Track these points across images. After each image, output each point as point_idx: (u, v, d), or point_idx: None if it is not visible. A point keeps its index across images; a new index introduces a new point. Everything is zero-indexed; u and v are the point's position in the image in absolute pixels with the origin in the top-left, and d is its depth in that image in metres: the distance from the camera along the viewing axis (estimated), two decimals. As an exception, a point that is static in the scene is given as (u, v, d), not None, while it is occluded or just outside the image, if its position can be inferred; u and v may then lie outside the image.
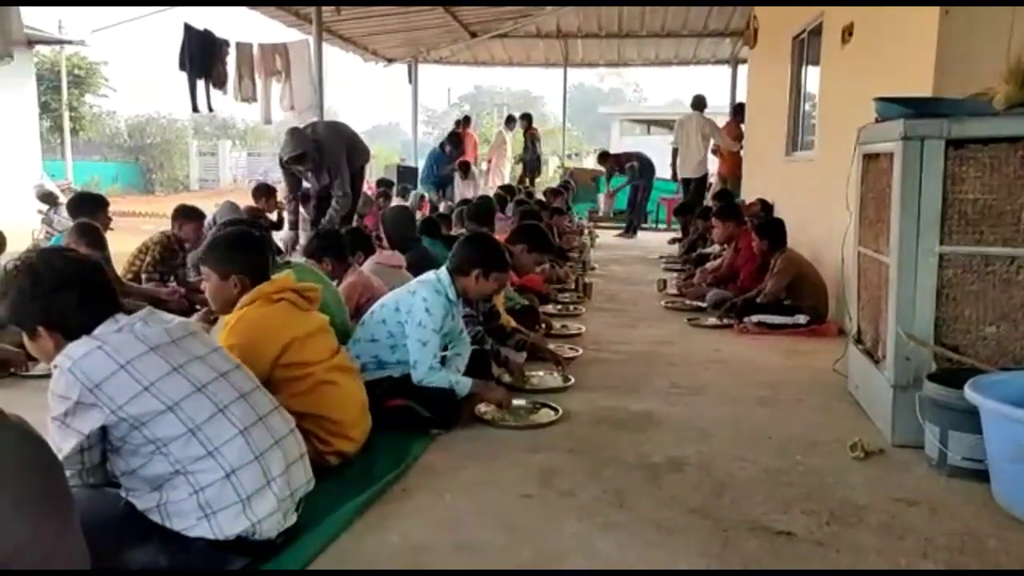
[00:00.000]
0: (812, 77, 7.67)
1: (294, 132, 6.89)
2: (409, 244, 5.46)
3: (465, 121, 14.88)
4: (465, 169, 12.84)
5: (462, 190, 12.74)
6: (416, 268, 4.86)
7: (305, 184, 7.38)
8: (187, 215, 6.01)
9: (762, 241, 5.95)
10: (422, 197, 11.95)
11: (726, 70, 14.84)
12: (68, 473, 1.97)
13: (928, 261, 3.22)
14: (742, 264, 6.55)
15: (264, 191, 8.54)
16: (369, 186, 14.44)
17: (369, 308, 3.87)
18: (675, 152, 11.71)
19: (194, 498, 2.07)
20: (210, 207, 8.16)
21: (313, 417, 2.78)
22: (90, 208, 5.46)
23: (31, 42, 13.39)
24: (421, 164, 13.86)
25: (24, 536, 1.58)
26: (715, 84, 17.92)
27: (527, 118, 15.31)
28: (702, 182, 11.65)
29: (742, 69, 13.51)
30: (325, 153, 6.88)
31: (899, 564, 2.36)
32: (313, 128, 7.30)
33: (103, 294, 2.17)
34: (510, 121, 15.90)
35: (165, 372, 2.09)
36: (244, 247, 2.98)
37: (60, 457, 1.97)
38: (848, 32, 5.84)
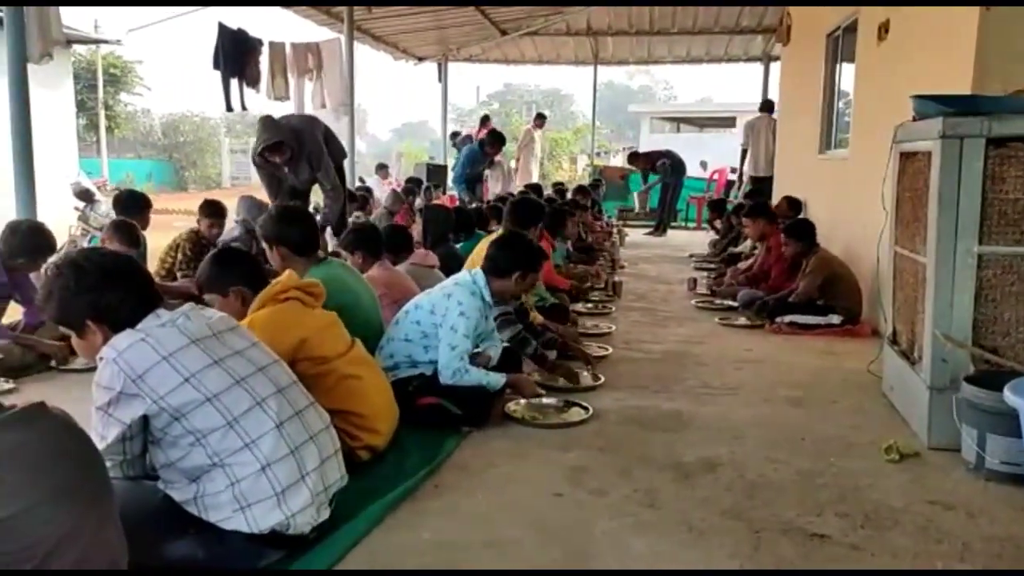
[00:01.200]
0: (846, 74, 7.58)
1: (267, 120, 6.31)
2: (443, 243, 5.50)
3: (485, 119, 14.90)
4: (491, 163, 12.80)
5: (491, 185, 12.74)
6: (444, 268, 4.88)
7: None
8: (212, 212, 6.08)
9: (791, 243, 5.87)
10: (450, 198, 11.79)
11: (758, 68, 14.71)
12: (109, 464, 2.01)
13: (966, 261, 3.17)
14: (773, 263, 6.49)
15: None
16: (397, 183, 14.52)
17: (384, 305, 3.90)
18: (744, 152, 11.91)
19: (230, 490, 2.10)
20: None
21: (340, 413, 2.79)
22: (132, 207, 5.54)
23: (69, 42, 13.62)
24: (451, 162, 13.82)
25: (66, 528, 1.61)
26: (746, 82, 17.78)
27: (540, 118, 15.45)
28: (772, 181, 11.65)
29: (774, 67, 13.39)
30: (304, 142, 6.26)
31: (936, 568, 2.32)
32: (287, 118, 6.75)
33: (145, 288, 2.22)
34: (539, 118, 15.87)
35: (205, 364, 2.13)
36: (231, 262, 3.12)
37: (102, 446, 2.02)
38: (884, 29, 5.76)
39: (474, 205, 10.66)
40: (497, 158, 13.44)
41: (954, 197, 3.16)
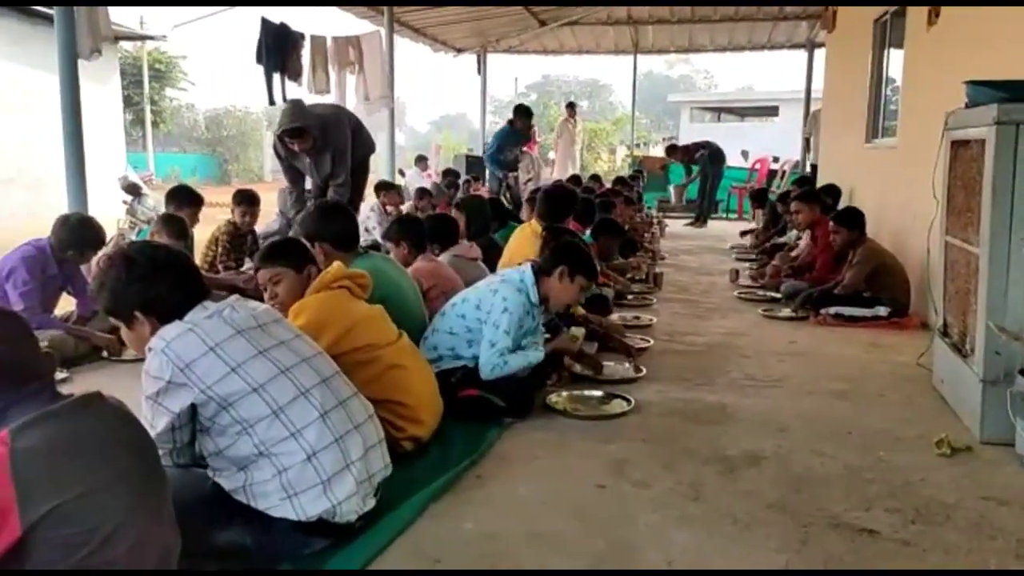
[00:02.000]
0: (895, 61, 7.41)
1: (295, 104, 5.97)
2: (484, 234, 5.50)
3: (530, 115, 14.86)
4: (521, 154, 12.74)
5: (521, 176, 12.70)
6: (485, 259, 4.89)
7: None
8: (243, 200, 6.11)
9: (840, 230, 5.74)
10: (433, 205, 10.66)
11: (801, 55, 14.45)
12: (159, 452, 2.05)
13: (1021, 252, 3.08)
14: (818, 253, 6.38)
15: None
16: (437, 174, 14.57)
17: (432, 297, 3.91)
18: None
19: (277, 479, 2.13)
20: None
21: (385, 403, 2.83)
22: (184, 202, 5.62)
23: (116, 38, 13.89)
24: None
25: (122, 513, 1.65)
26: (789, 70, 17.47)
27: (571, 107, 15.43)
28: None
29: (819, 54, 13.15)
30: (330, 135, 5.95)
31: (989, 565, 2.28)
32: (316, 107, 6.47)
33: (193, 280, 2.26)
34: (570, 107, 15.81)
35: (251, 355, 2.16)
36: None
37: (152, 435, 2.05)
38: (935, 14, 5.62)
39: (506, 188, 10.58)
40: (525, 150, 13.39)
41: (1009, 185, 3.07)
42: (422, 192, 10.26)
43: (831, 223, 5.90)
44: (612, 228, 6.05)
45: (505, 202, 9.06)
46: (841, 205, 7.34)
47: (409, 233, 4.30)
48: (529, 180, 12.40)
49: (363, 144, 6.30)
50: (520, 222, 6.04)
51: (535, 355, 3.48)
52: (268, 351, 2.21)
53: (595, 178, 12.61)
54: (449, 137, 33.76)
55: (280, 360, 2.22)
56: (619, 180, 11.86)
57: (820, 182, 9.60)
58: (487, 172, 11.63)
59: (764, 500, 2.66)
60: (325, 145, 5.92)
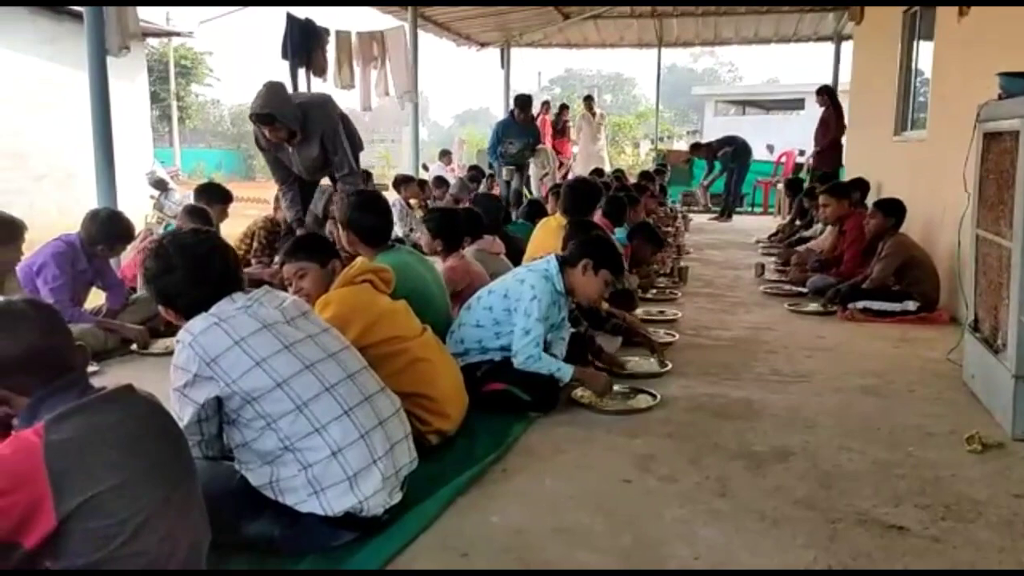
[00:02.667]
0: (924, 53, 7.31)
1: (270, 87, 5.20)
2: (497, 230, 5.48)
3: (529, 104, 14.87)
4: (534, 151, 12.65)
5: (535, 169, 12.65)
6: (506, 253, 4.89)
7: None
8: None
9: (878, 216, 5.63)
10: (456, 200, 10.19)
11: (828, 47, 14.28)
12: (189, 444, 2.08)
13: (1056, 245, 3.03)
14: (846, 247, 6.31)
15: (363, 177, 8.69)
16: (461, 167, 14.59)
17: (464, 294, 3.91)
18: None
19: (303, 474, 2.15)
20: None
21: (411, 396, 2.83)
22: (213, 198, 5.66)
23: (144, 35, 14.02)
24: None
25: (154, 504, 1.67)
26: (815, 62, 17.22)
27: (587, 100, 15.38)
28: None
29: (846, 46, 12.99)
30: (313, 119, 5.29)
31: (1022, 563, 2.24)
32: (299, 95, 5.98)
33: (216, 273, 2.22)
34: (586, 100, 15.75)
35: (276, 350, 2.17)
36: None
37: (181, 427, 2.06)
38: (966, 6, 5.53)
39: (514, 187, 10.39)
40: (540, 146, 13.31)
41: (1044, 178, 3.02)
42: (439, 181, 10.28)
43: (871, 207, 5.81)
44: (649, 234, 6.02)
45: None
46: (870, 199, 7.25)
47: (447, 229, 4.27)
48: (545, 175, 12.36)
49: (354, 140, 5.74)
50: (508, 223, 5.93)
51: (563, 371, 3.45)
52: (293, 346, 2.22)
53: (619, 173, 12.56)
54: (472, 132, 33.75)
55: (305, 355, 2.22)
56: (644, 174, 11.80)
57: (848, 176, 9.51)
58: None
59: (792, 496, 2.64)
60: (308, 133, 5.30)
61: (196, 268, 2.19)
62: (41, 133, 12.00)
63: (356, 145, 5.74)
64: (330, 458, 2.15)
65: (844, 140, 10.55)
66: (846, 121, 10.32)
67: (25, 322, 1.70)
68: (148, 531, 1.65)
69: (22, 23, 11.82)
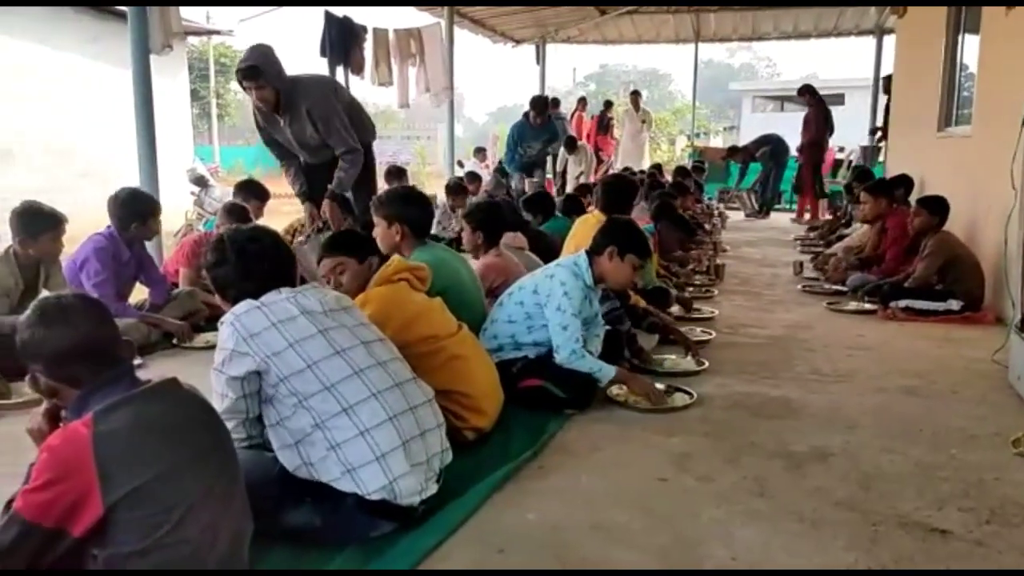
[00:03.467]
0: (969, 47, 7.15)
1: (257, 47, 5.03)
2: (517, 228, 5.43)
3: (545, 106, 14.86)
4: (571, 144, 12.64)
5: (572, 167, 12.62)
6: (533, 250, 4.89)
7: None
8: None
9: (923, 213, 5.51)
10: (491, 196, 10.01)
11: (869, 41, 14.05)
12: (232, 423, 2.16)
13: (1108, 244, 2.95)
14: (888, 246, 6.20)
15: (396, 174, 8.76)
16: (494, 163, 14.60)
17: (499, 290, 3.92)
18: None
19: (332, 454, 2.20)
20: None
21: (448, 393, 2.85)
22: (249, 194, 5.73)
23: (185, 33, 14.25)
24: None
25: (198, 493, 1.71)
26: (855, 57, 16.98)
27: (634, 95, 15.33)
28: None
29: (887, 40, 12.77)
30: (302, 93, 5.09)
31: (1071, 570, 2.19)
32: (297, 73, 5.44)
33: (264, 270, 2.35)
34: (632, 95, 15.66)
35: (310, 334, 2.26)
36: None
37: (224, 404, 2.18)
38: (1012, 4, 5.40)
39: (530, 191, 10.25)
40: (581, 142, 13.26)
41: (1095, 175, 2.94)
42: (472, 176, 10.31)
43: (914, 205, 5.70)
44: (673, 216, 5.95)
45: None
46: (913, 196, 7.12)
47: (490, 222, 4.27)
48: (581, 173, 12.34)
49: (361, 127, 5.47)
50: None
51: (605, 372, 3.43)
52: (327, 331, 2.30)
53: (655, 168, 12.49)
54: (507, 128, 33.79)
55: (337, 341, 2.30)
56: (680, 170, 11.72)
57: (890, 172, 9.35)
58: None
59: (832, 497, 2.61)
60: (296, 104, 5.08)
61: (247, 263, 2.33)
62: (85, 130, 12.25)
63: (363, 131, 5.47)
64: (358, 437, 2.20)
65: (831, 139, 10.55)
66: (890, 117, 10.18)
67: (77, 315, 1.76)
68: (191, 520, 1.69)
69: (66, 22, 12.08)
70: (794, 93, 13.78)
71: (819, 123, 11.26)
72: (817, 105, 11.42)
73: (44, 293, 4.18)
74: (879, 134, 11.31)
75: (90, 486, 1.60)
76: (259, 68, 4.91)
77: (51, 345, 1.73)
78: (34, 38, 11.53)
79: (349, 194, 5.49)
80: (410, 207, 3.56)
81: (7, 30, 11.06)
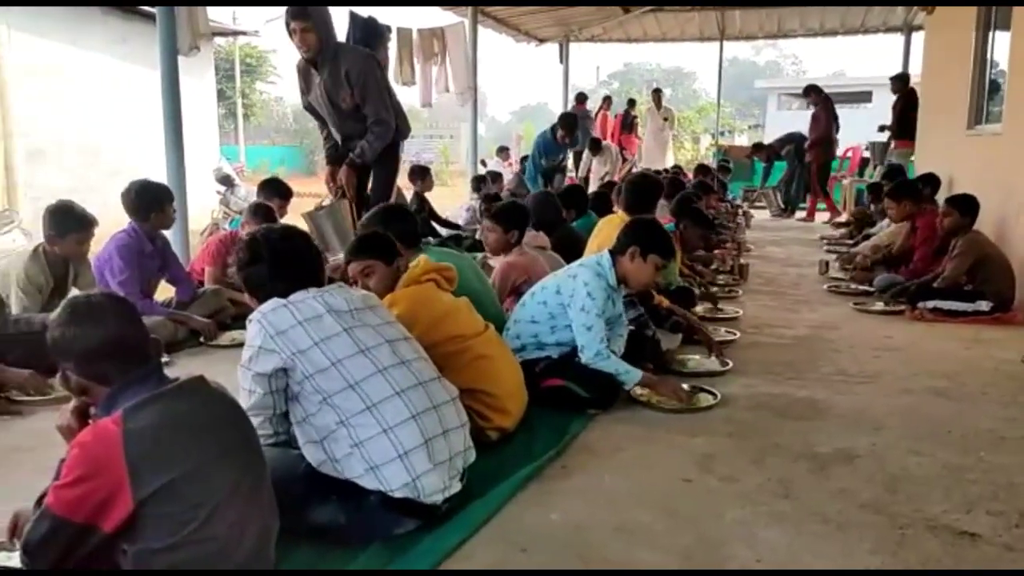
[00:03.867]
0: (1000, 43, 7.05)
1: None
2: (554, 226, 5.44)
3: (575, 126, 14.83)
4: (596, 146, 12.60)
5: (597, 168, 12.60)
6: (559, 249, 4.87)
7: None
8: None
9: (953, 213, 5.42)
10: (514, 195, 9.73)
11: (897, 39, 13.87)
12: (258, 420, 2.19)
13: None
14: (917, 245, 6.12)
15: (419, 173, 8.79)
16: (517, 162, 14.60)
17: (522, 289, 3.92)
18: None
19: (356, 451, 2.21)
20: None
21: (473, 392, 2.86)
22: (272, 192, 5.78)
23: (213, 34, 14.38)
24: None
25: (225, 490, 1.73)
26: (883, 54, 16.76)
27: (655, 93, 15.27)
28: None
29: (916, 36, 12.61)
30: (343, 53, 5.06)
31: (1103, 576, 2.16)
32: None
33: (299, 268, 2.39)
34: (654, 94, 15.61)
35: (335, 333, 2.28)
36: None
37: (251, 401, 2.20)
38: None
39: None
40: (605, 142, 13.23)
41: None
42: (495, 176, 10.32)
43: (944, 204, 5.62)
44: (695, 215, 5.92)
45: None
46: (940, 195, 7.03)
47: (514, 220, 4.25)
48: (606, 174, 12.32)
49: (398, 115, 5.37)
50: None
51: (631, 375, 3.42)
52: (352, 330, 2.32)
53: (676, 168, 12.44)
54: (530, 127, 33.75)
55: (362, 340, 2.32)
56: (701, 168, 11.66)
57: (919, 170, 9.24)
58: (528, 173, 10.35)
59: (858, 499, 2.59)
60: (335, 66, 5.02)
61: (279, 262, 2.36)
62: (113, 130, 12.40)
63: (398, 119, 5.34)
64: (381, 434, 2.22)
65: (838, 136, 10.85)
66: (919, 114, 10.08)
67: (106, 314, 1.78)
68: (219, 516, 1.71)
69: (94, 24, 12.22)
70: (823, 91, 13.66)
71: (827, 121, 11.28)
72: (824, 103, 11.43)
73: (73, 291, 4.24)
74: (888, 132, 11.26)
75: (120, 483, 1.62)
76: (308, 10, 4.92)
77: (81, 344, 1.76)
78: (63, 39, 11.68)
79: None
80: (391, 225, 3.41)
81: (39, 31, 11.22)
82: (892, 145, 11.05)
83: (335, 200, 5.31)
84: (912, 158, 10.55)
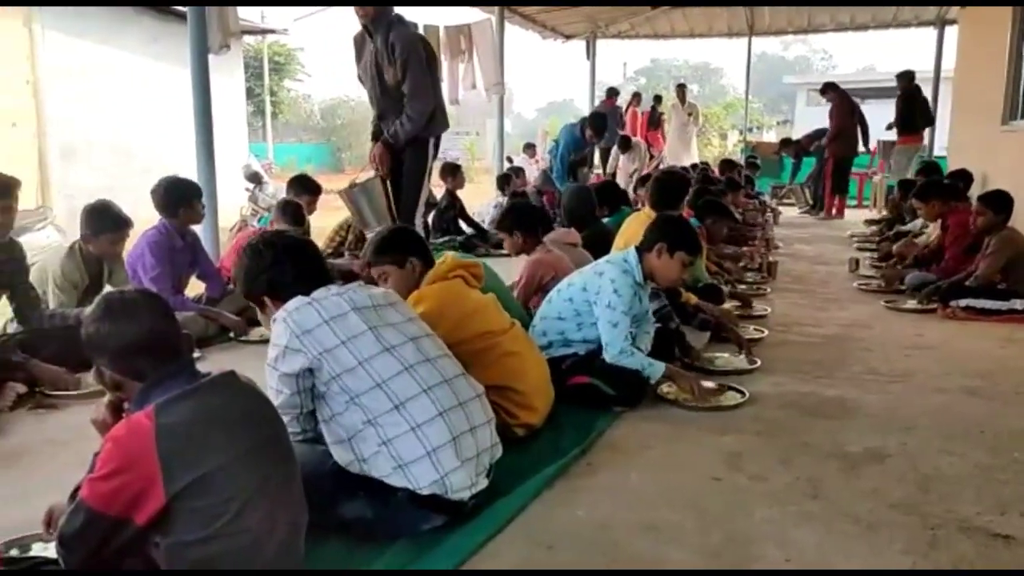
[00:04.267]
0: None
1: None
2: (587, 222, 5.44)
3: (631, 97, 14.80)
4: (626, 144, 12.54)
5: (625, 164, 12.54)
6: (591, 246, 4.85)
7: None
8: None
9: (986, 212, 5.32)
10: (540, 192, 9.83)
11: (930, 33, 13.66)
12: (286, 419, 2.18)
13: None
14: (949, 243, 6.03)
15: (450, 170, 8.78)
16: (545, 160, 14.57)
17: (549, 287, 3.91)
18: None
19: (384, 450, 2.22)
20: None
21: (500, 389, 2.87)
22: (303, 190, 5.83)
23: (242, 32, 14.51)
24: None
25: (256, 484, 1.75)
26: (914, 49, 16.52)
27: (679, 88, 15.24)
28: None
29: (949, 31, 12.42)
30: (394, 28, 5.03)
31: None
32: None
33: (316, 267, 2.42)
34: (678, 89, 15.50)
35: (360, 331, 2.28)
36: (408, 237, 3.21)
37: (277, 401, 2.20)
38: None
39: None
40: (635, 139, 13.17)
41: None
42: (517, 171, 10.31)
43: (977, 203, 5.53)
44: (718, 209, 5.88)
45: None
46: (973, 191, 6.92)
47: (524, 222, 4.28)
48: (635, 170, 12.27)
49: (441, 111, 5.33)
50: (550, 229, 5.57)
51: (655, 369, 3.40)
52: (377, 328, 2.32)
53: (704, 165, 12.36)
54: (556, 124, 33.69)
55: (387, 338, 2.32)
56: (727, 163, 11.57)
57: (952, 167, 9.10)
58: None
59: (888, 499, 2.56)
60: (385, 38, 5.02)
61: (299, 262, 2.38)
62: (145, 129, 12.57)
63: (444, 119, 5.34)
64: (409, 432, 2.22)
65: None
66: (949, 109, 9.95)
67: (141, 310, 1.81)
68: (250, 510, 1.73)
69: (128, 23, 12.40)
70: (850, 86, 13.52)
71: (841, 116, 11.19)
72: (840, 99, 11.33)
73: (107, 288, 4.31)
74: (895, 130, 11.18)
75: (153, 476, 1.65)
76: None
77: (116, 340, 1.78)
78: (97, 39, 11.87)
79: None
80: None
81: (73, 31, 11.40)
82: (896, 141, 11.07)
83: (370, 178, 5.32)
84: (921, 153, 10.53)
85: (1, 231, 3.72)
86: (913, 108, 10.66)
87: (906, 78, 10.84)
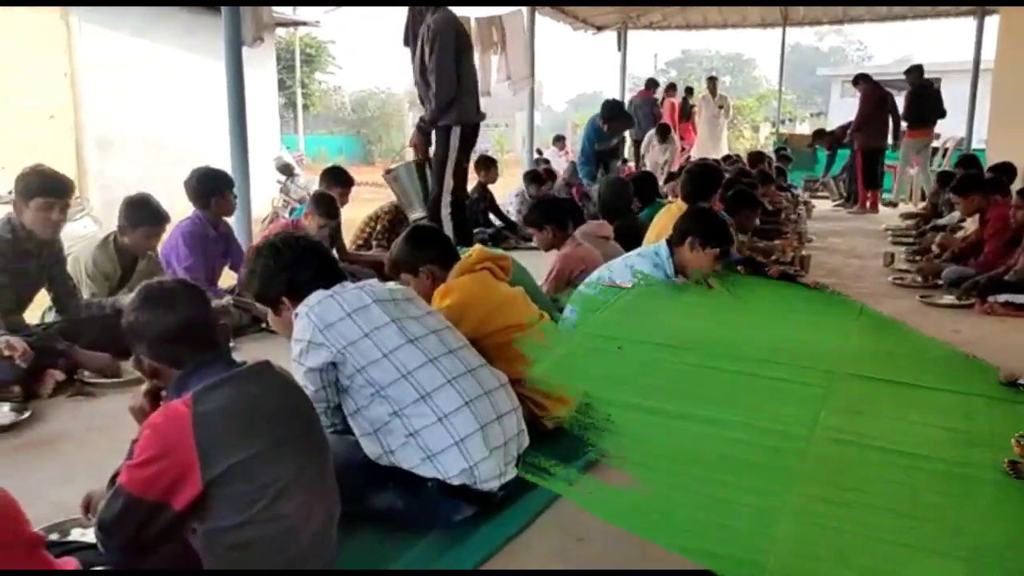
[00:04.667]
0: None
1: None
2: (621, 214, 5.42)
3: (666, 88, 14.69)
4: (664, 133, 12.44)
5: (656, 155, 12.45)
6: (622, 238, 4.83)
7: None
8: None
9: None
10: (568, 185, 9.57)
11: (969, 23, 13.38)
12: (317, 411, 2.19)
13: None
14: (988, 238, 5.92)
15: (485, 163, 8.76)
16: (573, 152, 14.53)
17: (579, 280, 3.90)
18: None
19: (412, 441, 2.24)
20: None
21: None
22: (335, 182, 5.86)
23: (275, 25, 14.61)
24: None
25: (292, 471, 1.77)
26: (952, 39, 16.22)
27: (710, 81, 15.12)
28: None
29: (989, 20, 12.16)
30: (437, 13, 5.24)
31: None
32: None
33: (332, 267, 2.45)
34: (708, 82, 15.35)
35: (383, 323, 2.30)
36: (424, 241, 3.13)
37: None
38: None
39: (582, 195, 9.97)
40: (675, 135, 13.06)
41: None
42: (543, 163, 10.25)
43: (1016, 197, 5.43)
44: (747, 200, 5.82)
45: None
46: (1016, 184, 6.78)
47: (554, 216, 4.27)
48: (666, 162, 12.19)
49: (472, 98, 5.38)
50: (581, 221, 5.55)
51: None
52: (399, 320, 2.34)
53: (736, 157, 12.23)
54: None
55: (410, 331, 2.34)
56: (756, 155, 11.44)
57: (992, 159, 8.93)
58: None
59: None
60: (429, 21, 5.20)
61: (315, 261, 2.41)
62: (178, 121, 12.71)
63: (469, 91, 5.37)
64: (437, 423, 2.24)
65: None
66: (989, 103, 9.77)
67: (179, 299, 1.84)
68: (287, 497, 1.75)
69: (163, 16, 12.53)
70: (886, 78, 13.27)
71: (866, 108, 11.05)
72: (870, 89, 11.17)
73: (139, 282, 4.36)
74: (904, 125, 11.08)
75: (190, 463, 1.67)
76: None
77: (155, 328, 1.81)
78: (132, 32, 12.01)
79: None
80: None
81: (109, 24, 11.55)
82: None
83: (410, 161, 5.45)
84: (933, 144, 10.49)
85: (56, 229, 3.75)
86: (923, 102, 10.76)
87: (916, 72, 10.96)
